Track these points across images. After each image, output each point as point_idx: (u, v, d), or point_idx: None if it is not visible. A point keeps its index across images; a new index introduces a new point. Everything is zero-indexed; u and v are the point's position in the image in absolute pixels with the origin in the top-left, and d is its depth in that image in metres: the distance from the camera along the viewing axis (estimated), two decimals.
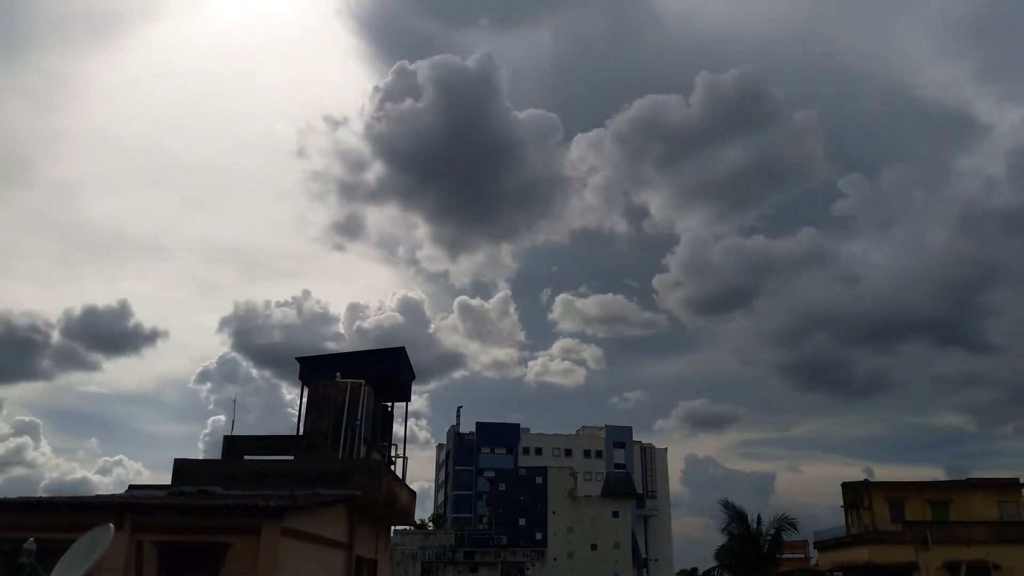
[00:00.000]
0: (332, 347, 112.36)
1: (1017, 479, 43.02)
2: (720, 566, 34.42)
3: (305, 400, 23.86)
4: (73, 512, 15.58)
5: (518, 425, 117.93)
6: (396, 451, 26.90)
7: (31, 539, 11.05)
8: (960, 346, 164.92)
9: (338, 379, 23.12)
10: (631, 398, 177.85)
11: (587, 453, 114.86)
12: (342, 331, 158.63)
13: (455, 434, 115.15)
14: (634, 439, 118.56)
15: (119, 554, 14.32)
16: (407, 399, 28.11)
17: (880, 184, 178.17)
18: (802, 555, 61.92)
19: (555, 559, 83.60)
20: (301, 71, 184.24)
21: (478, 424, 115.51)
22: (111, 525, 11.74)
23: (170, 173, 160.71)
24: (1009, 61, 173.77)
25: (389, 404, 27.27)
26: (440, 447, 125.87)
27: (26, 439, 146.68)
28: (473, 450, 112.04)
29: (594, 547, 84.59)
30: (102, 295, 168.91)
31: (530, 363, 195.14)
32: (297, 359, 25.89)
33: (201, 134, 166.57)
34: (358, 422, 22.63)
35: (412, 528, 71.30)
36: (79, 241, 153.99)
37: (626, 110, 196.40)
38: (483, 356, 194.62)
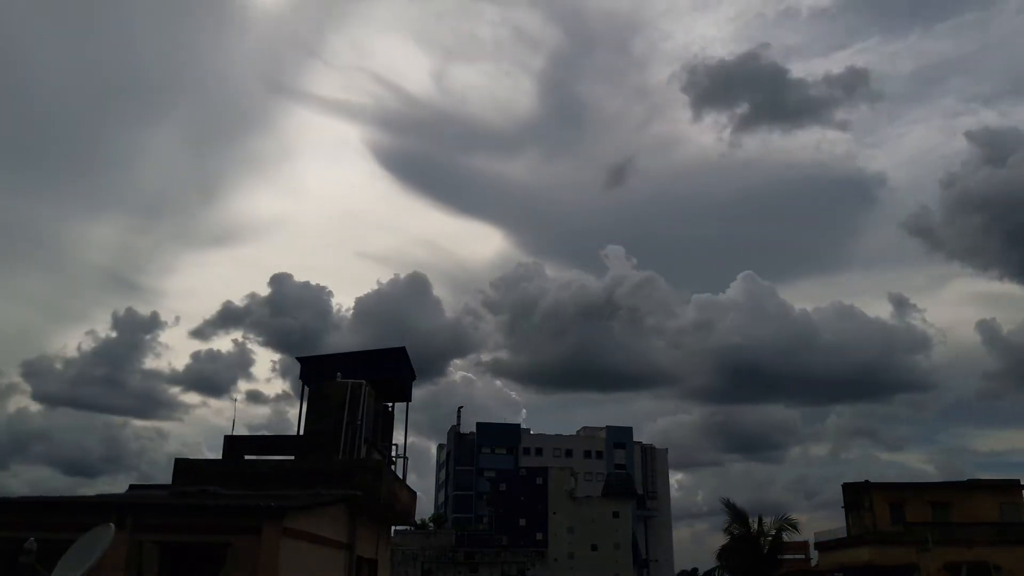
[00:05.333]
0: None
1: (1018, 480, 43.04)
2: (721, 566, 34.40)
3: (306, 400, 23.86)
4: (74, 511, 15.59)
5: (518, 425, 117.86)
6: (397, 451, 26.90)
7: (32, 539, 11.06)
8: None
9: (339, 379, 23.11)
10: None
11: (588, 454, 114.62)
12: None
13: (455, 434, 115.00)
14: (634, 440, 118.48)
15: (120, 554, 14.30)
16: (408, 399, 28.11)
17: None
18: (803, 556, 61.81)
19: (555, 559, 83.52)
20: None
21: (479, 424, 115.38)
22: (112, 525, 11.76)
23: None
24: None
25: (390, 404, 27.27)
26: (440, 447, 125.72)
27: None
28: (474, 450, 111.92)
29: (594, 547, 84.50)
30: None
31: None
32: (298, 359, 25.92)
33: None
34: (359, 422, 22.61)
35: (412, 528, 71.28)
36: None
37: None
38: None
